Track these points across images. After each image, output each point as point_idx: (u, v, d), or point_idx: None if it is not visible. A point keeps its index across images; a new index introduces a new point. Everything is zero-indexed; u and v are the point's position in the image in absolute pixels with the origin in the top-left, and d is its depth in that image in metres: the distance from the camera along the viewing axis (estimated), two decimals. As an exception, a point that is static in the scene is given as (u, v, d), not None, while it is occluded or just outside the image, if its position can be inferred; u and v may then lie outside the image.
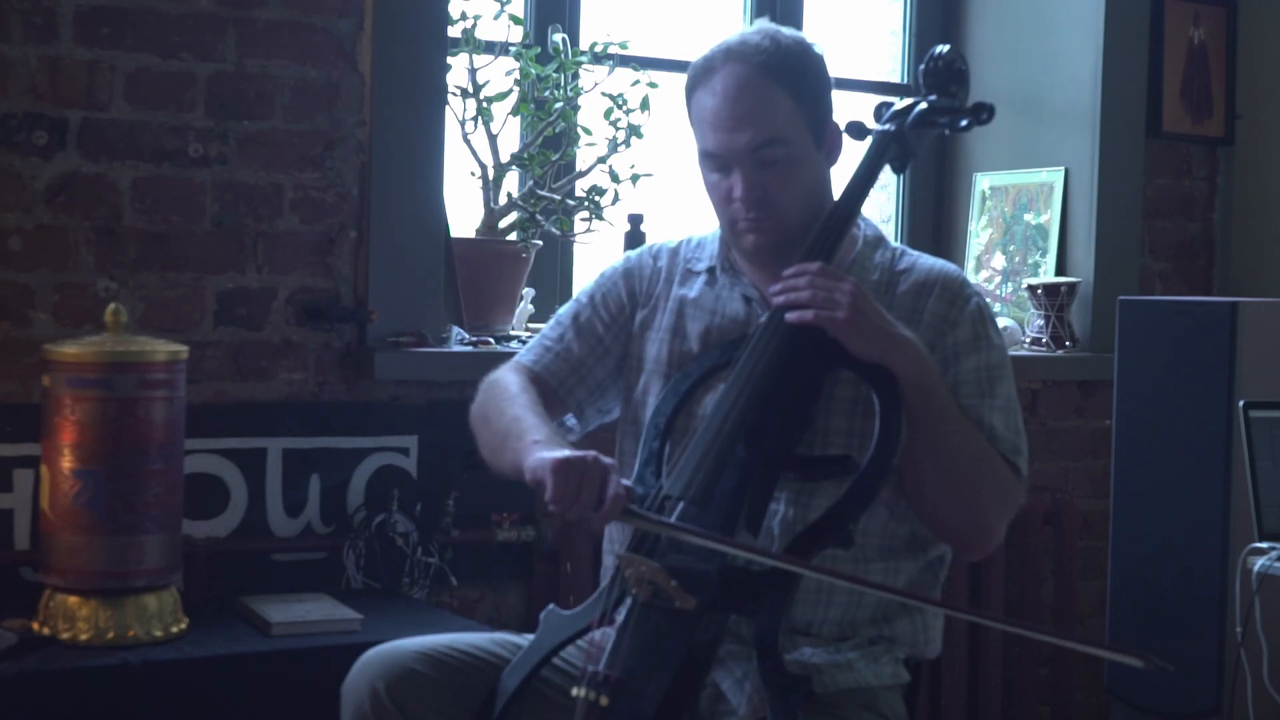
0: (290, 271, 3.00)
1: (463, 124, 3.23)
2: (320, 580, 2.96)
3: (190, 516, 2.76)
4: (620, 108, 3.31)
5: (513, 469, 2.13)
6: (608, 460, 2.01)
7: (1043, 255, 3.95)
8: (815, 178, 2.23)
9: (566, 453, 2.00)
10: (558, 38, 3.31)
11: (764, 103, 2.16)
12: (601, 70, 3.33)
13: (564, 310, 2.41)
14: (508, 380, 2.31)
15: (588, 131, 3.35)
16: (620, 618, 2.03)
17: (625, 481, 2.03)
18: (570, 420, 2.38)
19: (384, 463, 3.07)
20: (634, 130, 3.31)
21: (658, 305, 2.34)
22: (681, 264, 2.36)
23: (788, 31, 2.23)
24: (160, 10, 2.87)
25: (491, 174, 3.27)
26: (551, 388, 2.32)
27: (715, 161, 2.21)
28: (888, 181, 3.97)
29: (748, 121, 2.16)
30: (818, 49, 2.24)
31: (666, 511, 2.06)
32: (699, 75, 2.22)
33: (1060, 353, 3.83)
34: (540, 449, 2.06)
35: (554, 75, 3.28)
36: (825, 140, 2.24)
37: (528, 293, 3.35)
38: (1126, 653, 1.76)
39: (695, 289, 2.32)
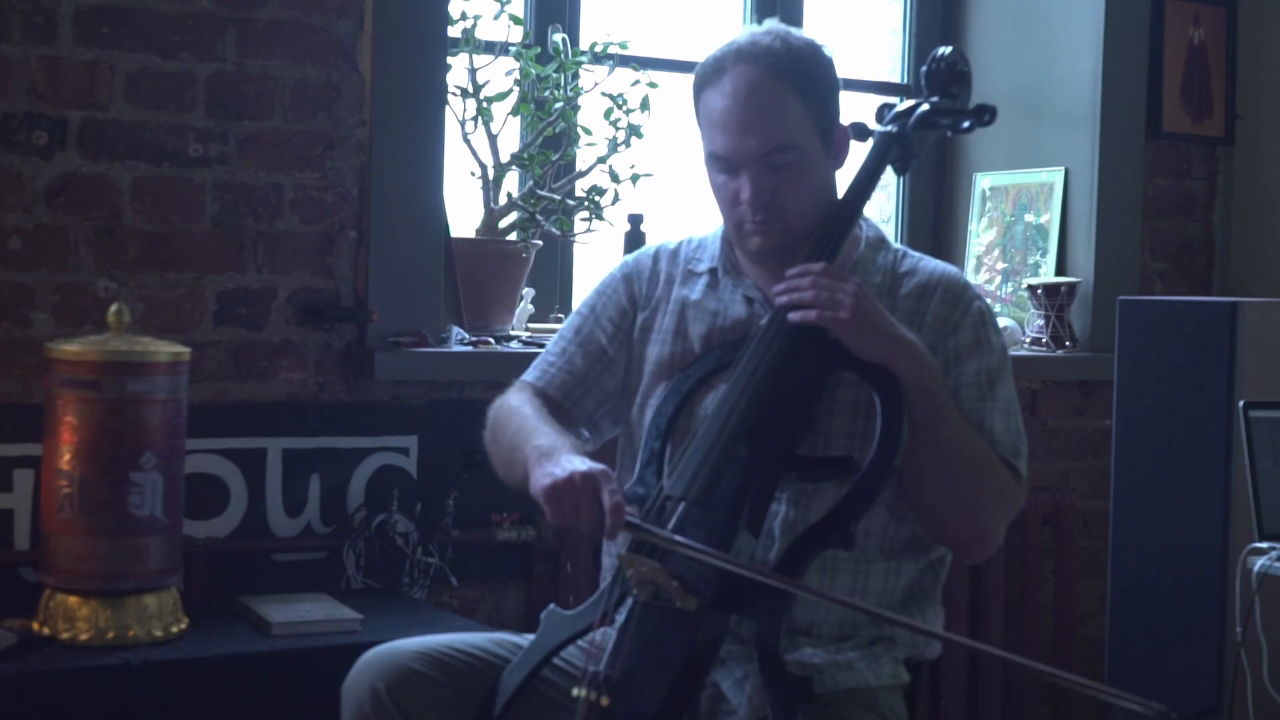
0: (290, 271, 3.00)
1: (463, 124, 3.23)
2: (320, 580, 2.96)
3: (190, 516, 2.76)
4: (620, 108, 3.30)
5: (523, 481, 2.13)
6: (599, 470, 2.00)
7: (1043, 255, 3.95)
8: (823, 181, 2.23)
9: (555, 475, 2.00)
10: (558, 38, 3.31)
11: (774, 106, 2.15)
12: (601, 70, 3.32)
13: (566, 324, 2.40)
14: (513, 400, 2.31)
15: (588, 131, 3.35)
16: (621, 618, 2.03)
17: (623, 489, 2.02)
18: (585, 434, 2.37)
19: (384, 463, 3.07)
20: (634, 130, 3.31)
21: (658, 307, 2.34)
22: (682, 265, 2.35)
23: (797, 33, 2.21)
24: (160, 10, 2.86)
25: (491, 174, 3.27)
26: (557, 402, 2.32)
27: (723, 164, 2.19)
28: (888, 182, 3.96)
29: (758, 125, 2.15)
30: (827, 51, 2.23)
31: (668, 512, 2.06)
32: (708, 75, 2.20)
33: (1060, 353, 3.83)
34: (538, 465, 2.06)
35: (554, 75, 3.28)
36: (833, 143, 2.23)
37: (528, 293, 3.35)
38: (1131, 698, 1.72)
39: (697, 290, 2.31)
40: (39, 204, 2.79)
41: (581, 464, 2.01)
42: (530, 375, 2.37)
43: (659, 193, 3.48)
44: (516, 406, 2.27)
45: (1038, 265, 3.95)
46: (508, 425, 2.25)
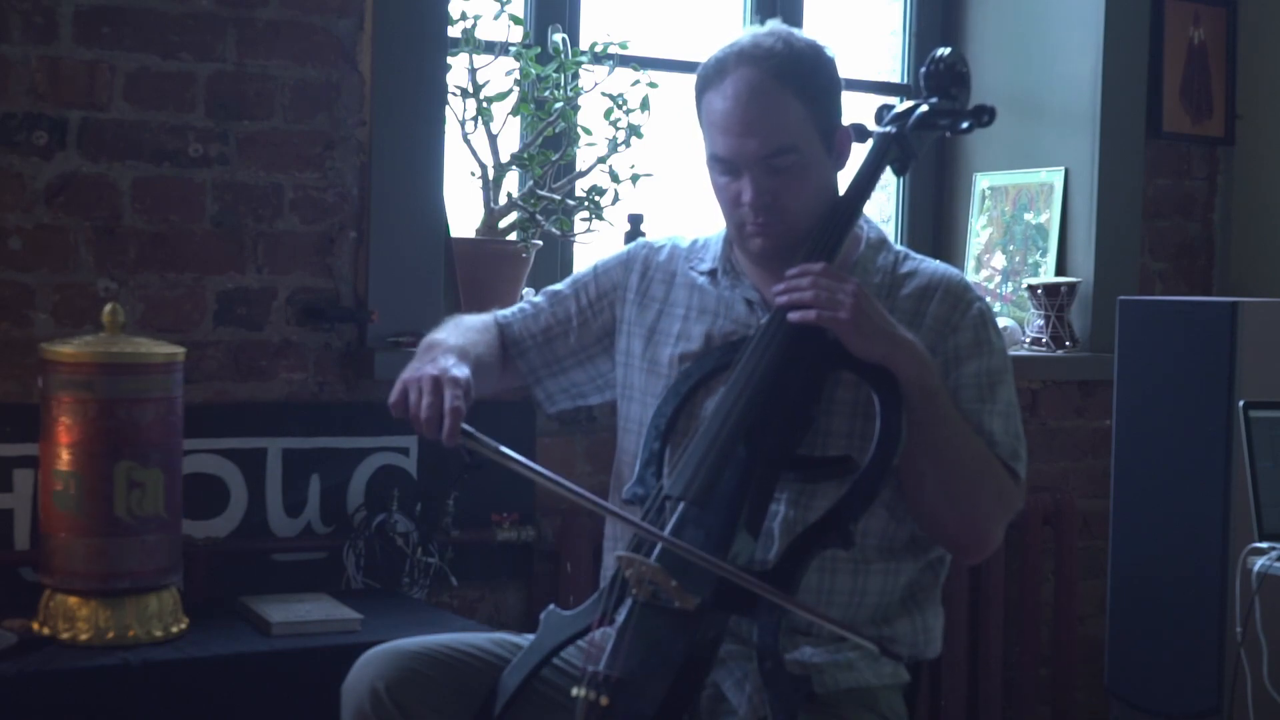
0: (290, 271, 3.00)
1: (463, 124, 3.23)
2: (320, 580, 2.96)
3: (190, 516, 2.76)
4: (620, 108, 3.30)
5: None
6: (457, 375, 2.07)
7: (1043, 255, 3.95)
8: (824, 182, 2.22)
9: (417, 370, 2.09)
10: (558, 38, 3.31)
11: (776, 108, 2.15)
12: (601, 70, 3.32)
13: (561, 282, 2.47)
14: (470, 317, 2.39)
15: (588, 131, 3.35)
16: (621, 618, 2.03)
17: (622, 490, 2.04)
18: (540, 399, 2.44)
19: (384, 463, 3.07)
20: (634, 130, 3.30)
21: (652, 305, 2.34)
22: (685, 265, 2.36)
23: (799, 34, 2.21)
24: (160, 10, 2.87)
25: (491, 174, 3.27)
26: (504, 344, 2.39)
27: (724, 165, 2.19)
28: (888, 182, 3.96)
29: (759, 127, 2.15)
30: (829, 52, 2.22)
31: (668, 512, 2.06)
32: (710, 76, 2.20)
33: (1060, 353, 3.83)
34: (415, 359, 2.15)
35: (554, 75, 3.28)
36: (835, 144, 2.23)
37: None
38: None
39: (698, 291, 2.32)
40: (39, 204, 2.79)
41: (446, 366, 2.09)
42: (501, 312, 2.45)
43: (659, 193, 3.48)
44: (467, 319, 2.37)
45: (1038, 265, 3.95)
46: (442, 332, 2.32)
